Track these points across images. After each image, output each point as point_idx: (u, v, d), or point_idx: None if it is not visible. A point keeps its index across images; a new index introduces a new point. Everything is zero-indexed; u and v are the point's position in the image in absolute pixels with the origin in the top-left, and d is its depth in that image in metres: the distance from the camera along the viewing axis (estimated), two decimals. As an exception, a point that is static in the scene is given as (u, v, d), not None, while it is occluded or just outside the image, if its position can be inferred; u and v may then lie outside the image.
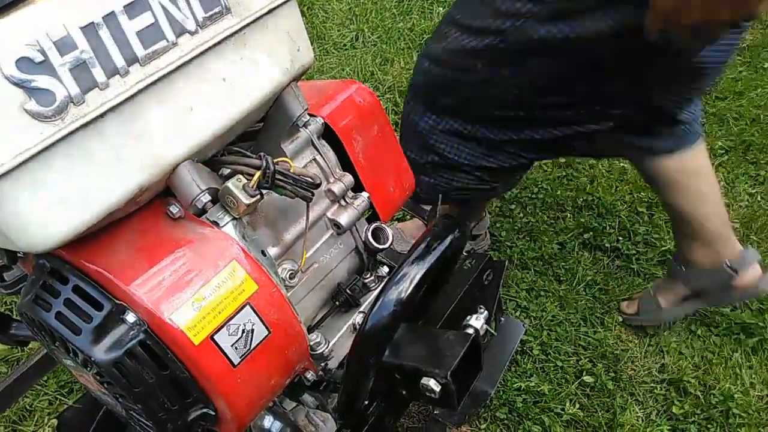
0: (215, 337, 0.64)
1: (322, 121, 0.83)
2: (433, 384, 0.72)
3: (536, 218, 1.82)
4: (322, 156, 0.84)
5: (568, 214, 1.83)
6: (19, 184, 0.53)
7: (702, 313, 1.58)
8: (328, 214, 0.83)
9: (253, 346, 0.67)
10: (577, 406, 1.42)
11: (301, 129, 0.81)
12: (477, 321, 0.81)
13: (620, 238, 1.75)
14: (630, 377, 1.48)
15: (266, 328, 0.68)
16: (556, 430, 1.37)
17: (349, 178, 0.83)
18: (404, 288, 0.73)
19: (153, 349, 0.63)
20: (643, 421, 1.41)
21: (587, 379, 1.45)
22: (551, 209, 1.85)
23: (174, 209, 0.68)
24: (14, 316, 0.93)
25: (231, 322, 0.65)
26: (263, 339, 0.68)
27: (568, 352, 1.52)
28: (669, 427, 1.39)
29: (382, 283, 0.83)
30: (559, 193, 1.88)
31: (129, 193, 0.61)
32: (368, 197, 0.84)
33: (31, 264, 0.72)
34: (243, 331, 0.66)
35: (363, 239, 0.87)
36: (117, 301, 0.63)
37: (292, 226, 0.81)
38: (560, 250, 1.74)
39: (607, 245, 1.74)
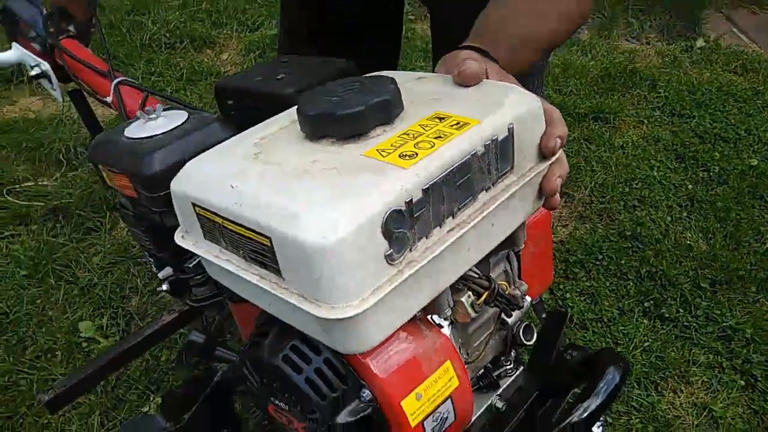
0: (425, 423, 0.75)
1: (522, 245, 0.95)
2: None
3: (599, 283, 1.89)
4: (510, 267, 0.94)
5: (631, 283, 1.89)
6: (370, 315, 0.62)
7: (764, 390, 1.59)
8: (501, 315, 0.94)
9: (443, 429, 0.79)
10: (625, 462, 1.45)
11: None
12: (598, 430, 0.96)
13: (681, 310, 1.80)
14: (681, 443, 1.50)
15: (455, 415, 0.79)
16: (601, 482, 1.40)
17: (525, 287, 0.92)
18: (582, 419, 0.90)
19: (376, 421, 0.74)
20: (690, 486, 1.42)
21: (636, 437, 1.49)
22: (614, 276, 1.92)
23: (418, 313, 0.76)
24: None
25: (437, 411, 0.76)
26: (451, 424, 0.79)
27: (620, 411, 1.56)
28: (717, 496, 1.40)
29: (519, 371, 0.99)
30: (623, 262, 1.95)
31: (418, 310, 0.70)
32: (530, 301, 0.93)
33: (255, 315, 0.84)
34: (441, 418, 0.77)
35: (513, 333, 0.96)
36: (358, 378, 0.73)
37: (475, 323, 0.91)
38: (620, 315, 1.80)
39: (667, 315, 1.78)
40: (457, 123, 0.68)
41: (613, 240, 2.04)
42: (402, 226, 0.60)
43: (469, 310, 0.78)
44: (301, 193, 0.61)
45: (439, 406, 0.76)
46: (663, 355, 1.69)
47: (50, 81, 1.28)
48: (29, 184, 2.31)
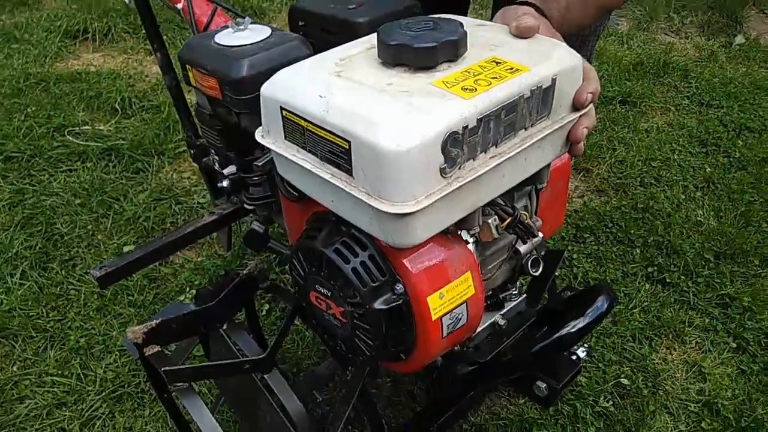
0: (443, 318, 0.89)
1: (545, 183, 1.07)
2: (544, 388, 1.02)
3: (606, 248, 1.99)
4: (530, 203, 1.08)
5: (637, 250, 1.98)
6: (420, 215, 0.75)
7: (755, 353, 1.67)
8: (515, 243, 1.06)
9: (456, 328, 0.92)
10: (610, 402, 1.55)
11: None
12: (582, 352, 1.10)
13: (683, 276, 1.88)
14: (667, 392, 1.59)
15: (468, 318, 0.93)
16: (586, 416, 1.51)
17: (540, 223, 1.05)
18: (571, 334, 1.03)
19: (404, 312, 0.87)
20: (671, 429, 1.52)
21: (624, 381, 1.59)
22: (622, 243, 2.02)
23: (451, 227, 0.89)
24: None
25: (454, 312, 0.90)
26: (463, 325, 0.93)
27: (612, 359, 1.66)
28: (695, 439, 1.49)
29: (521, 297, 1.13)
30: (632, 231, 2.04)
31: (456, 220, 0.84)
32: (542, 237, 1.04)
33: (306, 215, 0.99)
34: (456, 318, 0.91)
35: (522, 263, 1.08)
36: (395, 273, 0.87)
37: (494, 246, 1.04)
38: (623, 277, 1.89)
39: (668, 280, 1.87)
40: (511, 68, 0.81)
41: (625, 211, 2.13)
42: (457, 147, 0.74)
43: (494, 231, 0.91)
44: (379, 107, 0.75)
45: (456, 307, 0.91)
46: (660, 315, 1.78)
47: None
48: (87, 127, 2.52)
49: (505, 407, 1.54)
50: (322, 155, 0.78)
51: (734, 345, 1.71)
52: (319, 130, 0.76)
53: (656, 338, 1.73)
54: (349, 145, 0.72)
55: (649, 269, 1.91)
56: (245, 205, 1.24)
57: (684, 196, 2.23)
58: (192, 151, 1.38)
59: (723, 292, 1.83)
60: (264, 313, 1.75)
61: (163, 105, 2.67)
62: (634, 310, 1.79)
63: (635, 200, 2.20)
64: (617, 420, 1.52)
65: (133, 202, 2.14)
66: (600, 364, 1.64)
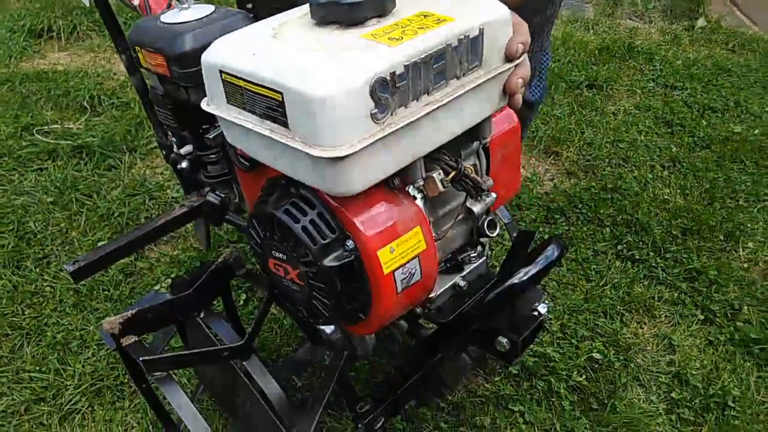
0: (395, 273, 0.90)
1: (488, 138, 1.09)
2: (505, 342, 1.03)
3: (577, 228, 2.03)
4: (479, 162, 1.10)
5: (607, 229, 2.03)
6: (356, 160, 0.78)
7: (721, 324, 1.73)
8: (467, 203, 1.08)
9: (410, 284, 0.94)
10: (583, 376, 1.59)
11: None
12: (543, 307, 1.11)
13: (651, 253, 1.94)
14: (638, 365, 1.64)
15: (421, 274, 0.95)
16: (560, 391, 1.55)
17: (490, 182, 1.06)
18: (522, 280, 1.04)
19: (356, 268, 0.89)
20: (642, 399, 1.57)
21: (596, 355, 1.63)
22: (591, 223, 2.06)
23: (396, 182, 0.93)
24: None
25: (406, 266, 0.92)
26: (417, 281, 0.95)
27: (585, 335, 1.70)
28: (666, 408, 1.54)
29: (482, 259, 1.13)
30: (602, 211, 2.09)
31: (396, 169, 0.86)
32: (494, 197, 1.07)
33: (260, 185, 1.00)
34: (409, 273, 0.93)
35: (479, 225, 1.10)
36: (344, 230, 0.89)
37: (445, 206, 1.06)
38: (594, 255, 1.94)
39: (637, 257, 1.92)
40: (438, 19, 0.85)
41: (594, 191, 2.18)
42: (386, 92, 0.77)
43: (439, 184, 0.94)
44: (308, 59, 0.78)
45: (408, 262, 0.93)
46: (630, 291, 1.83)
47: None
48: (56, 126, 2.50)
49: (482, 385, 1.57)
50: (260, 112, 0.82)
51: (702, 317, 1.76)
52: (254, 86, 0.79)
53: (627, 313, 1.78)
54: (282, 97, 0.76)
55: (619, 247, 1.96)
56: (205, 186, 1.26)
57: (651, 176, 2.28)
58: (164, 152, 1.39)
59: (690, 266, 1.89)
60: (241, 303, 1.76)
61: (132, 102, 2.65)
62: (605, 287, 1.84)
63: (604, 181, 2.25)
64: (590, 393, 1.56)
65: (107, 198, 2.13)
66: (573, 340, 1.68)
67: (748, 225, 2.05)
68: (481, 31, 0.85)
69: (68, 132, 2.46)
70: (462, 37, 0.83)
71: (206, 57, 0.87)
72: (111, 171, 2.28)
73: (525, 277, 1.01)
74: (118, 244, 1.22)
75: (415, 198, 0.96)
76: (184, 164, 1.20)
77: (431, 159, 0.96)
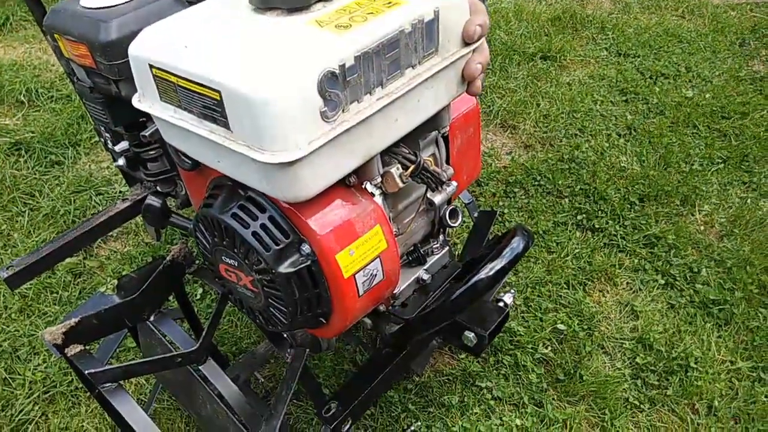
0: (356, 275, 0.85)
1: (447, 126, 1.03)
2: (472, 337, 1.01)
3: (536, 200, 2.02)
4: (438, 151, 1.04)
5: (566, 200, 2.03)
6: (306, 163, 0.71)
7: (681, 288, 1.74)
8: (427, 194, 1.03)
9: (372, 285, 0.89)
10: (549, 348, 1.59)
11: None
12: (508, 298, 1.08)
13: (610, 221, 1.94)
14: (602, 333, 1.64)
15: (384, 274, 0.90)
16: (527, 364, 1.55)
17: (451, 171, 1.03)
18: (488, 276, 0.97)
19: (314, 273, 0.83)
20: (608, 367, 1.57)
21: (560, 327, 1.63)
22: (551, 195, 2.06)
23: (352, 179, 0.87)
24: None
25: (367, 268, 0.87)
26: (379, 282, 0.90)
27: (548, 307, 1.70)
28: (631, 373, 1.55)
29: (446, 249, 1.10)
30: (560, 182, 2.08)
31: (351, 169, 0.80)
32: (456, 186, 1.03)
33: (205, 184, 0.93)
34: (371, 275, 0.88)
35: (440, 215, 1.06)
36: (299, 234, 0.82)
37: (405, 199, 1.02)
38: (554, 227, 1.93)
39: (597, 226, 1.92)
40: (389, 2, 0.78)
41: (552, 163, 2.17)
42: (335, 88, 0.70)
43: (397, 180, 0.89)
44: (246, 53, 0.71)
45: (369, 263, 0.88)
46: (591, 260, 1.83)
47: None
48: (-8, 123, 2.37)
49: (448, 363, 1.55)
50: (198, 112, 0.74)
51: (662, 282, 1.77)
52: (189, 83, 0.72)
53: (589, 283, 1.78)
54: (221, 96, 0.69)
55: (578, 217, 1.96)
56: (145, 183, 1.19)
57: (607, 144, 2.29)
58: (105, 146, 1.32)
59: (649, 232, 1.90)
60: (198, 296, 1.70)
61: (73, 94, 2.53)
62: (567, 258, 1.83)
63: (561, 152, 2.24)
64: (557, 364, 1.56)
65: (50, 196, 2.03)
66: (537, 313, 1.68)
67: (703, 188, 2.07)
68: (436, 14, 0.79)
69: (4, 128, 2.34)
70: (416, 21, 0.76)
71: (134, 49, 0.79)
72: (54, 168, 2.18)
73: (491, 273, 0.97)
74: (57, 245, 1.16)
75: (373, 195, 0.90)
76: (120, 162, 1.12)
77: (389, 153, 0.90)
